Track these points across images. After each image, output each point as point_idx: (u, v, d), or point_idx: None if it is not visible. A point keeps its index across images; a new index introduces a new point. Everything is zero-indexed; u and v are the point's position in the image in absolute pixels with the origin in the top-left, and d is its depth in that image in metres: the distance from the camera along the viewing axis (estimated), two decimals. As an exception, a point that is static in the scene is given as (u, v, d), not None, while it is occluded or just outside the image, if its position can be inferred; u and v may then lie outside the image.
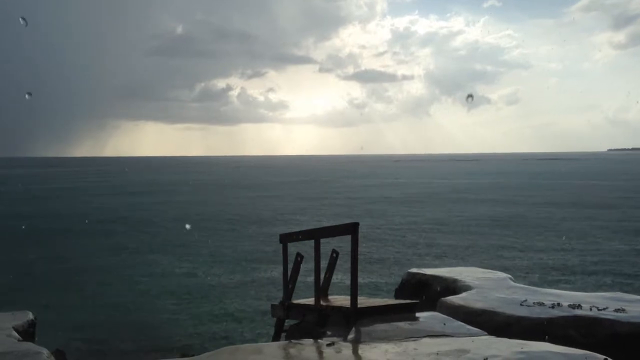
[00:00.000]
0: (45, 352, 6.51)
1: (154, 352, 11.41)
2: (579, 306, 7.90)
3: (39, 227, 31.12)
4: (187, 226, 31.59)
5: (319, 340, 6.53)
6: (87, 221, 34.11)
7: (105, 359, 11.54)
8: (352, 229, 7.25)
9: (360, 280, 7.79)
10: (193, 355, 6.91)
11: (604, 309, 7.79)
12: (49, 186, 72.38)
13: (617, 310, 7.70)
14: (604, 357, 5.58)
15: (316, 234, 8.00)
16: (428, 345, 6.13)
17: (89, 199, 51.96)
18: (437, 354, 5.78)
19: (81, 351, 11.33)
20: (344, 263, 8.04)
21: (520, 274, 16.93)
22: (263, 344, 7.06)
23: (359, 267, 7.45)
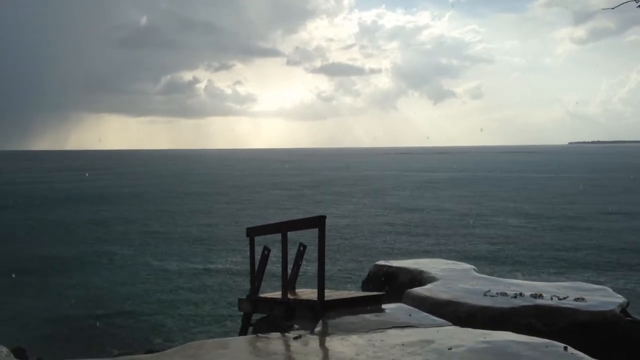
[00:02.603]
0: (4, 350, 6.35)
1: (118, 348, 11.24)
2: (541, 296, 8.09)
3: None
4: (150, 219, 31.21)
5: (286, 334, 6.53)
6: (41, 214, 33.37)
7: (67, 355, 11.30)
8: (319, 222, 7.26)
9: (327, 272, 7.81)
10: (159, 351, 6.84)
11: (565, 298, 8.00)
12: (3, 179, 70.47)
13: (577, 300, 7.92)
14: (564, 345, 5.72)
15: (283, 227, 7.98)
16: (394, 336, 6.19)
17: (47, 191, 50.73)
18: (403, 344, 5.84)
19: (42, 348, 11.07)
20: (311, 256, 8.05)
21: (484, 265, 17.23)
22: (230, 338, 7.01)
23: (326, 259, 7.47)
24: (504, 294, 8.23)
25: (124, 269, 19.19)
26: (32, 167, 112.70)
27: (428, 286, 8.89)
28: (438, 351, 5.62)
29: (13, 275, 18.07)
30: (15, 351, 8.00)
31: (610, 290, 8.75)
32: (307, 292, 8.14)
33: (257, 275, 8.40)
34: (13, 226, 29.39)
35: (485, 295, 8.24)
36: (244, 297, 8.64)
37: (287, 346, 6.09)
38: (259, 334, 6.75)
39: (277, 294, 8.11)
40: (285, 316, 7.59)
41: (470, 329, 6.50)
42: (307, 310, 7.34)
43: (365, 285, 10.75)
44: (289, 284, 8.07)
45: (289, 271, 8.15)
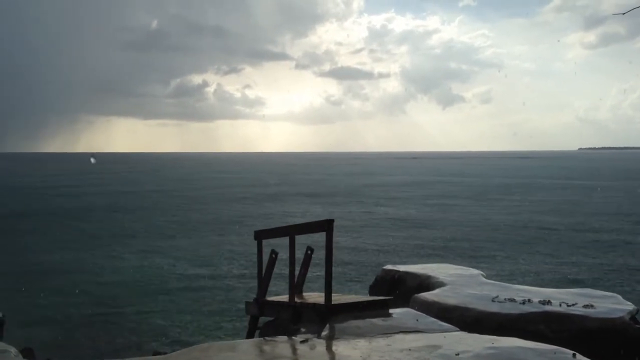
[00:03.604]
0: (13, 350, 6.39)
1: (125, 349, 11.28)
2: (549, 302, 8.04)
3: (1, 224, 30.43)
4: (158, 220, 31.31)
5: (293, 337, 6.53)
6: (52, 217, 33.57)
7: (75, 357, 11.36)
8: (327, 226, 7.26)
9: (334, 276, 7.81)
10: (166, 353, 6.86)
11: (573, 304, 7.94)
12: (14, 182, 70.99)
13: (585, 306, 7.86)
14: (573, 352, 5.68)
15: (291, 231, 7.99)
16: (401, 341, 6.18)
17: (52, 194, 51.04)
18: (410, 349, 5.82)
19: (50, 349, 11.14)
20: (319, 259, 8.04)
21: (492, 271, 17.15)
22: (237, 341, 7.03)
23: (334, 263, 7.46)
24: (512, 300, 8.19)
25: (131, 272, 19.25)
26: (42, 170, 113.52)
27: (436, 291, 8.86)
28: (445, 357, 5.60)
29: (21, 277, 18.20)
30: (24, 351, 8.04)
31: (620, 297, 8.68)
32: (314, 296, 8.13)
33: (264, 279, 8.41)
34: (23, 229, 29.60)
35: (493, 301, 8.20)
36: (251, 300, 8.65)
37: (294, 350, 6.09)
38: (266, 337, 6.76)
39: (284, 298, 8.11)
40: (292, 320, 7.59)
41: (477, 335, 6.47)
42: (314, 314, 7.34)
43: (372, 290, 10.73)
44: (296, 287, 8.07)
45: (297, 275, 8.15)
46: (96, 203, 42.94)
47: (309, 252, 8.42)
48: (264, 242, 8.68)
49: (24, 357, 6.68)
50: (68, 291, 16.57)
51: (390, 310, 7.49)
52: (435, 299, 8.34)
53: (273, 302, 8.23)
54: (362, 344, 6.10)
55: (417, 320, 7.08)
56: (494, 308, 7.89)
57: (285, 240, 7.88)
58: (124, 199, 46.49)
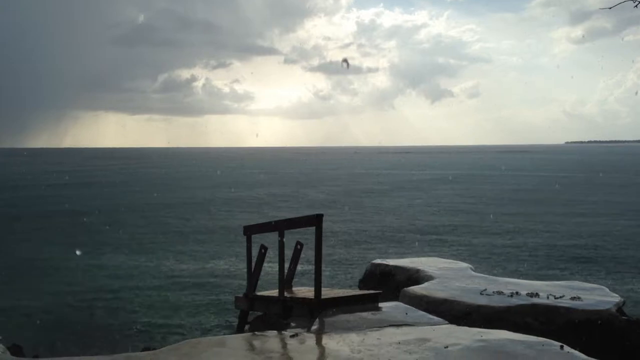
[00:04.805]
0: (1, 347, 6.35)
1: (114, 346, 11.23)
2: (537, 295, 8.12)
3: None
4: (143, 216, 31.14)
5: (283, 332, 6.54)
6: (40, 215, 33.30)
7: (64, 353, 11.29)
8: (316, 221, 7.27)
9: (324, 271, 7.83)
10: (155, 349, 6.84)
11: (561, 297, 8.03)
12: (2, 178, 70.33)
13: (572, 299, 7.95)
14: (560, 344, 5.74)
15: (280, 226, 7.99)
16: (390, 334, 6.20)
17: (40, 190, 50.62)
18: (399, 343, 5.85)
19: (39, 346, 11.06)
20: (308, 254, 8.05)
21: (481, 264, 17.26)
22: (226, 336, 7.03)
23: (323, 258, 7.47)
24: (500, 293, 8.26)
25: (119, 268, 19.14)
26: (31, 166, 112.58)
27: (424, 285, 8.91)
28: (434, 350, 5.63)
29: (10, 273, 18.04)
30: (12, 348, 8.00)
31: (607, 289, 8.78)
32: (304, 291, 8.15)
33: (254, 273, 8.41)
34: (11, 226, 29.35)
35: (481, 294, 8.26)
36: (241, 295, 8.65)
37: (284, 344, 6.10)
38: (256, 332, 6.77)
39: (274, 292, 8.12)
40: (281, 314, 7.61)
41: (466, 328, 6.52)
42: (304, 308, 7.35)
43: (362, 284, 10.77)
44: (285, 282, 8.08)
45: (286, 269, 8.16)
46: (84, 201, 42.63)
47: (299, 246, 8.43)
48: (254, 237, 8.67)
49: (12, 354, 6.64)
50: (56, 288, 16.46)
51: (380, 304, 7.52)
52: (425, 292, 8.39)
53: (263, 296, 8.23)
54: (351, 338, 6.12)
55: (406, 313, 7.11)
56: (482, 301, 7.95)
57: (275, 235, 7.88)
58: (112, 197, 46.19)
